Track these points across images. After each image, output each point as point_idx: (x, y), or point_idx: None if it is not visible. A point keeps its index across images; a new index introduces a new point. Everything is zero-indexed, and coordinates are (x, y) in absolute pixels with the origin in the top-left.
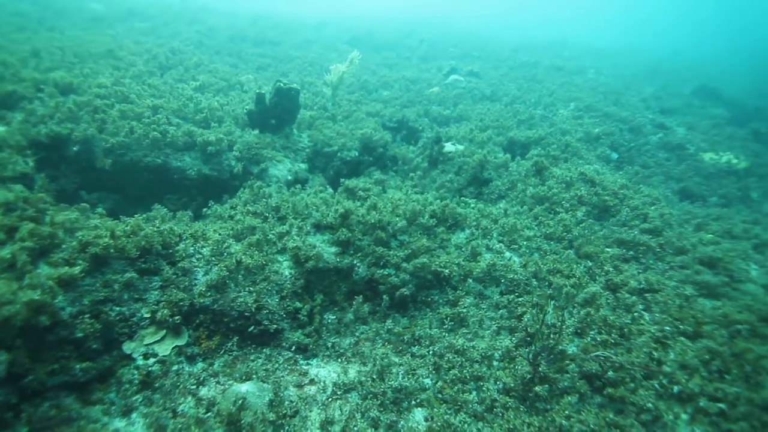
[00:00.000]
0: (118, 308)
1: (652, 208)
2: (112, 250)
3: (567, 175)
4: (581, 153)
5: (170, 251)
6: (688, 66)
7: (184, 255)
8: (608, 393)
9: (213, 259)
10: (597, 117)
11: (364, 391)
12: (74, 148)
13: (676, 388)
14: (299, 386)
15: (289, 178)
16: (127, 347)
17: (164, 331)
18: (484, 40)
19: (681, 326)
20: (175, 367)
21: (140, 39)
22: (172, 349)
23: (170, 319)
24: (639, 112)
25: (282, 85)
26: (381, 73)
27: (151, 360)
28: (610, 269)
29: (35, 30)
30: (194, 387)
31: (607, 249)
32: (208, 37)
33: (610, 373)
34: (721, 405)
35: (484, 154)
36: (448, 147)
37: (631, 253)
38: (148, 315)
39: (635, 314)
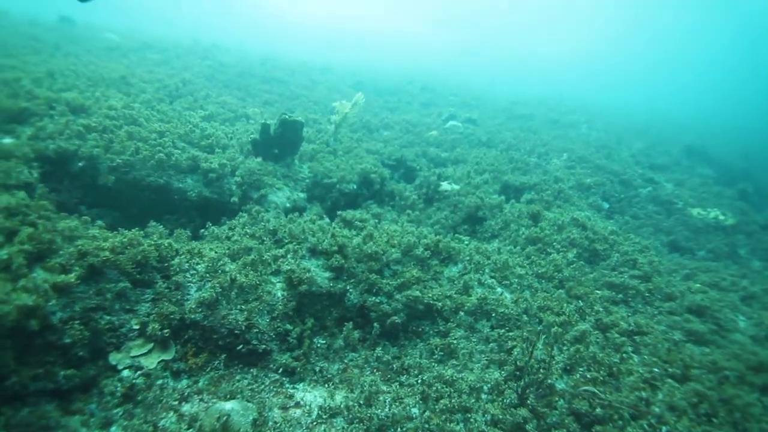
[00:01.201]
0: (108, 317)
1: (642, 255)
2: (108, 262)
3: (559, 219)
4: (573, 200)
5: (165, 265)
6: (676, 126)
7: (178, 270)
8: (596, 430)
9: (207, 275)
10: (589, 168)
11: (351, 416)
12: (79, 164)
13: (664, 429)
14: (284, 408)
15: (288, 205)
16: (113, 358)
17: (152, 345)
18: (483, 91)
19: (669, 369)
20: (159, 382)
21: (153, 69)
22: (158, 363)
23: (159, 333)
24: (629, 166)
25: (287, 117)
26: (383, 115)
27: (136, 372)
28: (600, 310)
29: (51, 54)
30: (177, 403)
31: (597, 291)
32: (218, 72)
33: (599, 410)
34: None
35: (480, 196)
36: (445, 186)
37: (621, 296)
38: (137, 327)
39: (624, 354)
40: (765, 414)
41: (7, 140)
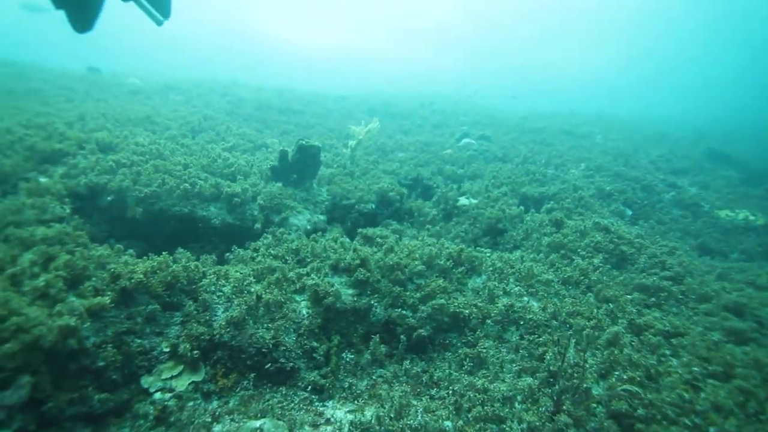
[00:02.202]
0: (139, 340)
1: (671, 257)
2: (140, 284)
3: (581, 225)
4: (595, 207)
5: (193, 287)
6: (692, 131)
7: (206, 291)
8: (638, 429)
9: (233, 296)
10: (608, 176)
11: (383, 430)
12: (108, 198)
13: (712, 430)
14: (315, 426)
15: (308, 227)
16: (145, 381)
17: (182, 367)
18: (494, 110)
19: (710, 367)
20: (190, 403)
21: (176, 108)
22: (189, 384)
23: (189, 354)
24: (649, 172)
25: (303, 142)
26: (396, 138)
27: (168, 395)
28: (633, 311)
29: (82, 100)
30: (209, 423)
31: (627, 295)
32: (237, 107)
33: (640, 410)
34: None
35: (500, 208)
36: (463, 201)
37: (653, 299)
38: (168, 349)
39: (662, 357)
40: None
41: (43, 179)
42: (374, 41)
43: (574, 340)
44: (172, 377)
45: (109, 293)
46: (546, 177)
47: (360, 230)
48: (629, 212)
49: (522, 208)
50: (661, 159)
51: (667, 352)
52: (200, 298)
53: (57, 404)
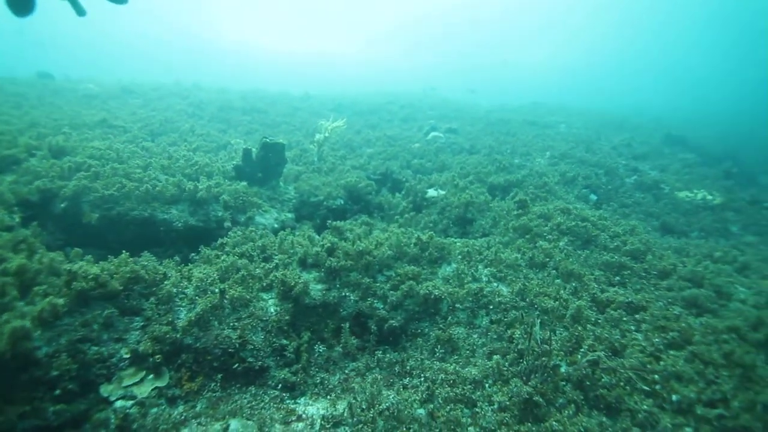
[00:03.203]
0: (96, 348)
1: (633, 236)
2: (98, 283)
3: (547, 210)
4: (559, 193)
5: (154, 289)
6: (652, 119)
7: (167, 294)
8: (601, 394)
9: (197, 297)
10: (573, 163)
11: (355, 421)
12: (61, 205)
13: (675, 397)
14: (286, 423)
15: (276, 226)
16: (105, 389)
17: (144, 373)
18: (460, 105)
19: (670, 337)
20: (154, 410)
21: (135, 111)
22: (152, 390)
23: (151, 360)
24: (612, 158)
25: (268, 140)
26: (364, 133)
27: (129, 402)
28: (596, 288)
29: (33, 106)
30: (175, 429)
31: (592, 274)
32: (199, 109)
33: (605, 378)
34: (718, 410)
35: (469, 194)
36: (431, 193)
37: (617, 278)
38: (128, 355)
39: (625, 330)
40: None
41: None
42: (344, 45)
43: (539, 321)
44: (133, 384)
45: (63, 298)
46: (512, 166)
47: (330, 222)
48: (594, 197)
49: (489, 196)
50: (622, 145)
51: (632, 328)
52: (162, 300)
53: (7, 418)
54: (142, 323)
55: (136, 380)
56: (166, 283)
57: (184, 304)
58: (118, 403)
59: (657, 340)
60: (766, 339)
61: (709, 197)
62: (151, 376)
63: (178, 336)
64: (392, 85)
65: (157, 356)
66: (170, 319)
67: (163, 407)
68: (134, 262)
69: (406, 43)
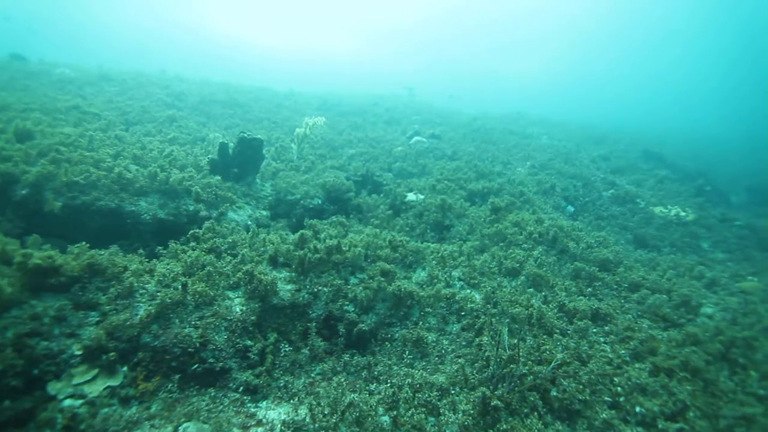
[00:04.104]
0: (45, 343)
1: (606, 248)
2: (49, 271)
3: (523, 219)
4: (537, 203)
5: (113, 283)
6: (631, 135)
7: (127, 288)
8: (565, 404)
9: (159, 293)
10: (552, 174)
11: (316, 427)
12: (22, 192)
13: (638, 409)
14: (244, 428)
15: (250, 223)
16: (53, 387)
17: (96, 371)
18: (445, 111)
19: (636, 349)
20: (105, 410)
21: (111, 99)
22: (104, 389)
23: (105, 356)
24: (590, 171)
25: (245, 135)
26: (347, 134)
27: (79, 401)
28: (566, 299)
29: (3, 88)
30: (126, 430)
31: (564, 282)
32: (179, 100)
33: (570, 386)
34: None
35: (443, 198)
36: (411, 197)
37: (590, 289)
38: (80, 352)
39: (592, 340)
40: (728, 382)
41: None
42: (339, 44)
43: (507, 329)
44: (84, 382)
45: (11, 287)
46: (492, 174)
47: (306, 221)
48: (571, 209)
49: (468, 203)
50: (601, 158)
51: (602, 339)
52: (120, 294)
53: None
54: (97, 318)
55: (88, 378)
56: (126, 275)
57: (144, 300)
58: (67, 402)
59: (623, 351)
60: (727, 352)
61: (683, 213)
62: (105, 374)
63: (135, 333)
64: (381, 87)
65: (112, 354)
66: (128, 315)
67: (115, 407)
68: (96, 252)
69: (400, 46)
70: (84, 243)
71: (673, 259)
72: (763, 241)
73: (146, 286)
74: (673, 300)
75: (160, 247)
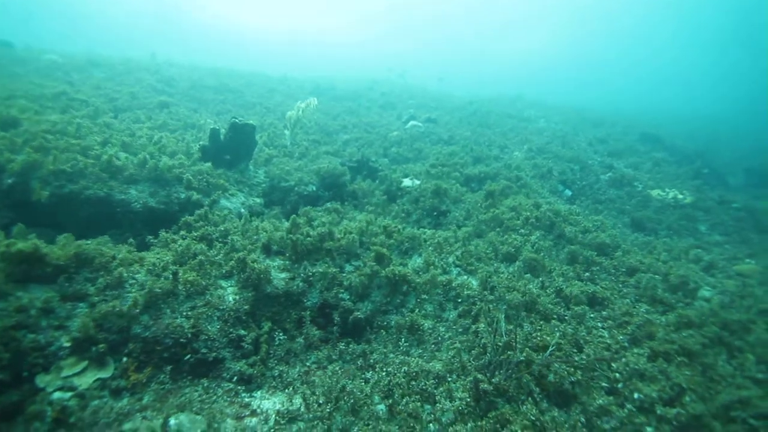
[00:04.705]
0: (33, 335)
1: (603, 232)
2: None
3: (518, 202)
4: (534, 187)
5: (101, 273)
6: (627, 117)
7: (116, 278)
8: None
9: (148, 282)
10: (549, 158)
11: (311, 417)
12: (8, 181)
13: (636, 395)
14: (239, 418)
15: (243, 211)
16: (41, 380)
17: (86, 363)
18: (441, 94)
19: (634, 334)
20: (95, 402)
21: (99, 85)
22: (94, 381)
23: (95, 347)
24: (588, 154)
25: (237, 121)
26: (342, 119)
27: (68, 394)
28: (563, 285)
29: None
30: (117, 423)
31: (561, 268)
32: (169, 86)
33: (568, 379)
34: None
35: (439, 184)
36: (406, 182)
37: (587, 274)
38: (69, 344)
39: (590, 325)
40: (726, 366)
41: None
42: (333, 22)
43: (504, 315)
44: (74, 375)
45: None
46: (489, 158)
47: (301, 208)
48: (569, 192)
49: (465, 188)
50: (599, 142)
51: (599, 325)
52: (110, 285)
53: None
54: (86, 309)
55: (77, 370)
56: (114, 265)
57: (134, 290)
58: (56, 395)
59: (621, 336)
60: (724, 336)
61: (680, 196)
62: (94, 366)
63: (125, 324)
64: (373, 70)
65: (101, 345)
66: (118, 306)
67: (106, 399)
68: (83, 242)
69: (395, 27)
70: (70, 233)
71: (670, 243)
72: (761, 224)
73: (136, 276)
74: (671, 283)
75: (150, 237)
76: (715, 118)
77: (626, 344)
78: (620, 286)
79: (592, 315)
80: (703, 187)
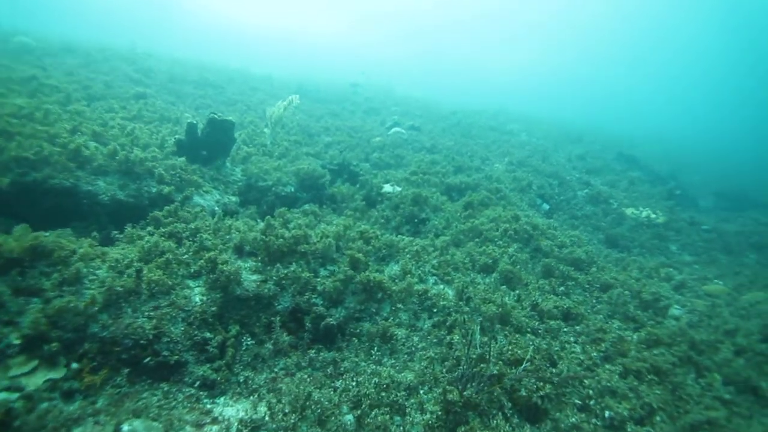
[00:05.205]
0: None
1: (580, 248)
2: None
3: (497, 214)
4: (513, 200)
5: (59, 268)
6: (606, 136)
7: (74, 273)
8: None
9: (109, 279)
10: (529, 171)
11: (275, 427)
12: None
13: (607, 414)
14: (198, 426)
15: (217, 209)
16: None
17: (36, 362)
18: (426, 103)
19: (607, 351)
20: (44, 405)
21: (73, 71)
22: (45, 382)
23: (47, 346)
24: (567, 170)
25: (216, 116)
26: (325, 121)
27: (15, 395)
28: (539, 299)
29: None
30: (65, 428)
31: (537, 281)
32: (147, 77)
33: (539, 393)
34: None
35: (419, 191)
36: (387, 188)
37: (562, 288)
38: (19, 341)
39: (564, 342)
40: (695, 385)
41: None
42: (324, 24)
43: (479, 327)
44: (22, 374)
45: None
46: (470, 168)
47: (277, 209)
48: (546, 206)
49: (445, 197)
50: (578, 158)
51: (572, 339)
52: (67, 280)
53: None
54: (40, 305)
55: (26, 370)
56: (74, 260)
57: (93, 287)
58: (1, 395)
59: (594, 354)
60: (692, 355)
61: (653, 216)
62: (46, 366)
63: (82, 322)
64: (361, 74)
65: (54, 344)
66: (75, 303)
67: (56, 402)
68: (40, 233)
69: (387, 33)
70: (27, 224)
71: (642, 261)
72: (729, 246)
73: (97, 272)
74: (643, 300)
75: (116, 232)
76: (689, 143)
77: (598, 361)
78: (594, 301)
79: (566, 330)
80: (676, 207)
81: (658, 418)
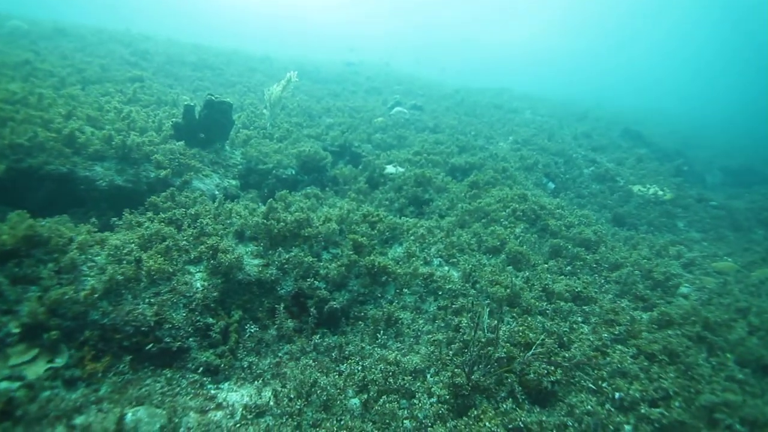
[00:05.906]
0: None
1: (587, 227)
2: None
3: (504, 194)
4: (519, 179)
5: (56, 256)
6: (612, 113)
7: (72, 261)
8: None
9: (109, 267)
10: (534, 150)
11: (280, 412)
12: None
13: (617, 395)
14: (202, 412)
15: (217, 193)
16: None
17: (36, 350)
18: (428, 82)
19: (617, 332)
20: (46, 393)
21: (68, 55)
22: (46, 371)
23: (47, 334)
24: (572, 148)
25: (213, 98)
26: (326, 102)
27: (16, 384)
28: (548, 280)
29: None
30: (69, 415)
31: (545, 263)
32: (144, 59)
33: (550, 378)
34: (659, 410)
35: (422, 172)
36: (390, 169)
37: (569, 268)
38: (18, 330)
39: (573, 323)
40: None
41: None
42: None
43: (488, 310)
44: (23, 363)
45: None
46: (475, 148)
47: (278, 193)
48: (552, 185)
49: (449, 177)
50: (583, 136)
51: (579, 320)
52: (65, 268)
53: None
54: (38, 293)
55: (27, 359)
56: (72, 247)
57: (93, 274)
58: (2, 385)
59: (605, 334)
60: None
61: (660, 193)
62: (46, 354)
63: (82, 310)
64: (362, 52)
65: (54, 332)
66: (74, 291)
67: (58, 390)
68: (37, 221)
69: (378, 8)
70: (24, 210)
71: (651, 240)
72: (737, 222)
73: (96, 258)
74: (655, 279)
75: (116, 219)
76: (696, 118)
77: (609, 342)
78: (602, 281)
79: (576, 311)
80: (683, 184)
81: (676, 404)
